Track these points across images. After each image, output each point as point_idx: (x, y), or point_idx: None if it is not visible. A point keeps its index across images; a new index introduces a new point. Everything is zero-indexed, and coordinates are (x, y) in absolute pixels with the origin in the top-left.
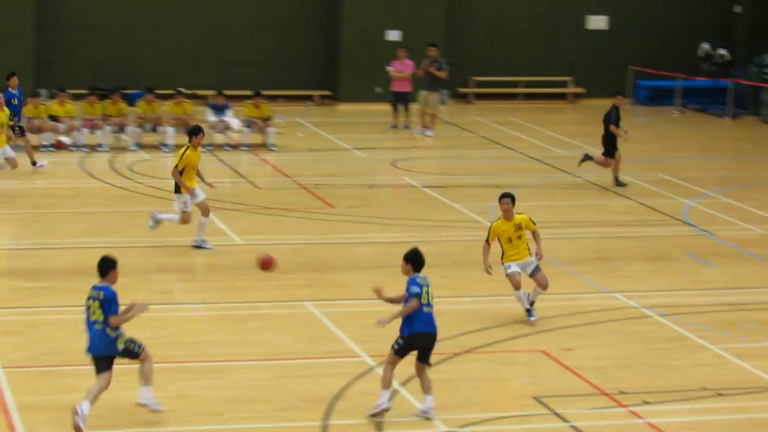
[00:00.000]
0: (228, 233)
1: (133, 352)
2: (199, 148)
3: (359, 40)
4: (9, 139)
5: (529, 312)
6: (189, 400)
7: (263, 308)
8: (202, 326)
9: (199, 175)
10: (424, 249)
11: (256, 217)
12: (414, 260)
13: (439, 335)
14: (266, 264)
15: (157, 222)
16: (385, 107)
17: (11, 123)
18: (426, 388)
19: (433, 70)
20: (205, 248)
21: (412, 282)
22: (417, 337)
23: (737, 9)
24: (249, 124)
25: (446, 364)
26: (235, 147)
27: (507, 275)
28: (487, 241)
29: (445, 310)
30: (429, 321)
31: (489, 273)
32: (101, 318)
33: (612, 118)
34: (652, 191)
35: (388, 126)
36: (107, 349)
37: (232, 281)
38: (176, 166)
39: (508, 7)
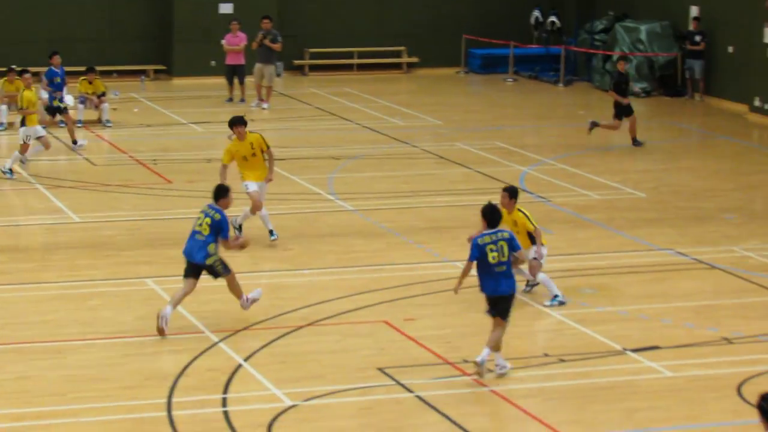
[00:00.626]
0: (65, 211)
1: (215, 271)
2: (250, 136)
3: (192, 14)
4: (42, 121)
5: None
6: (30, 382)
7: (103, 286)
8: (41, 306)
9: (268, 163)
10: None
11: (94, 194)
12: (486, 215)
13: (281, 308)
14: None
15: (240, 227)
16: (220, 81)
17: (56, 103)
18: (489, 341)
19: (267, 42)
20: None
21: (472, 245)
22: (489, 300)
23: None
24: (83, 100)
25: (289, 338)
26: None
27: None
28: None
29: (286, 283)
30: (496, 284)
31: None
32: (206, 232)
33: (612, 84)
34: (489, 159)
35: (224, 99)
36: (198, 257)
37: (70, 260)
38: (222, 161)
39: None
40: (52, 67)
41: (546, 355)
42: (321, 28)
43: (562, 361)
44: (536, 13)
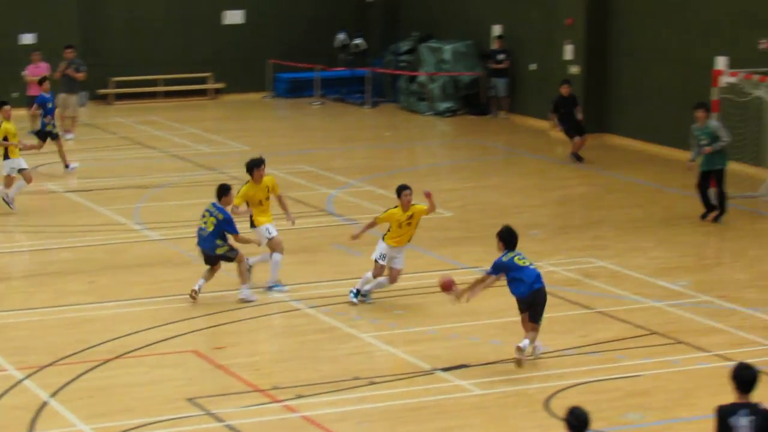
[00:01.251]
0: None
1: (228, 257)
2: (267, 180)
3: None
4: (23, 149)
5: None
6: None
7: None
8: None
9: (283, 207)
10: (68, 255)
11: None
12: (504, 238)
13: (88, 342)
14: (447, 286)
15: (273, 280)
16: (23, 112)
17: (48, 128)
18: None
19: (70, 72)
20: (280, 290)
21: (494, 265)
22: (524, 301)
23: None
24: None
25: (97, 371)
26: None
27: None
28: (375, 221)
29: (92, 316)
30: (530, 282)
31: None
32: (210, 229)
33: (553, 106)
34: (296, 183)
35: (27, 132)
36: (210, 248)
37: None
38: (234, 203)
39: (142, 5)
40: (43, 93)
41: (357, 378)
42: (125, 56)
43: (373, 383)
44: (341, 36)
